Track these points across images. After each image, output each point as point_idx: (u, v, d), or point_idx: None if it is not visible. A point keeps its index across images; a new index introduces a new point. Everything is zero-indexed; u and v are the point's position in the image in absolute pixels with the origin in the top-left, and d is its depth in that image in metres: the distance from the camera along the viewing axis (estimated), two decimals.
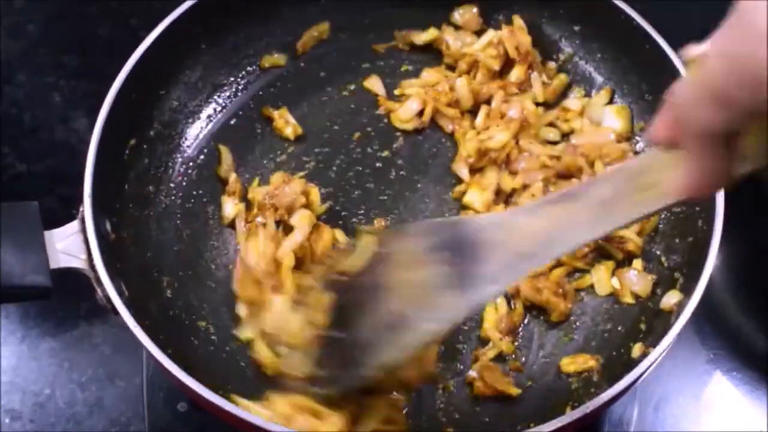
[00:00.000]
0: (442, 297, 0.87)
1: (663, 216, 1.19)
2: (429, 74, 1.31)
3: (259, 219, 1.17)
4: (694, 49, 0.75)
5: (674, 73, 1.17)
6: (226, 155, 1.25)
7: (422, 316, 0.88)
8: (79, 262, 1.03)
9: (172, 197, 1.23)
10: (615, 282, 1.16)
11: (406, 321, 0.89)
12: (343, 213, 1.23)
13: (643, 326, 1.12)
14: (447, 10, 1.34)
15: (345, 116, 1.30)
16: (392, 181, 1.25)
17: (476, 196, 1.20)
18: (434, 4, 1.34)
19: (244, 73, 1.32)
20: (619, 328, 1.14)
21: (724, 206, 1.07)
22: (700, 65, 0.68)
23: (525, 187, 1.20)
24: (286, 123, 1.27)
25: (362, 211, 1.23)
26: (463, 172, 1.23)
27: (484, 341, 1.13)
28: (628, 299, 1.15)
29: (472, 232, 0.88)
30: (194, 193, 1.24)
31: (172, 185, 1.23)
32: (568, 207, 0.85)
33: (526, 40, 1.27)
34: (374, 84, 1.31)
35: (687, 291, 1.07)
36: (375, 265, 0.93)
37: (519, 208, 0.95)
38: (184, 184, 1.24)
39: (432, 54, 1.34)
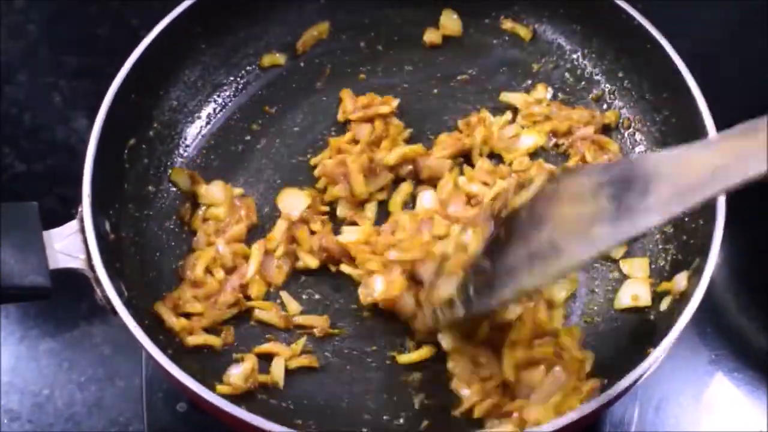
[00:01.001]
0: (597, 228, 0.89)
1: None
2: None
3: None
4: None
5: (675, 73, 1.17)
6: None
7: (574, 244, 0.91)
8: (78, 263, 1.03)
9: (172, 197, 1.22)
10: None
11: (556, 249, 0.92)
12: None
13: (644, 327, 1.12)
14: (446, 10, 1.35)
15: None
16: None
17: None
18: (433, 4, 1.34)
19: (243, 72, 1.32)
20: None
21: (725, 206, 1.07)
22: None
23: None
24: None
25: None
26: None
27: None
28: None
29: (642, 166, 0.88)
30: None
31: (171, 185, 1.23)
32: (746, 140, 0.83)
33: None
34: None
35: (688, 291, 1.07)
36: (538, 200, 0.95)
37: (695, 143, 0.94)
38: None
39: (432, 53, 1.34)
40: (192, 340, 1.10)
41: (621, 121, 1.28)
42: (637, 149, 1.26)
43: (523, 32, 1.34)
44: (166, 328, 1.09)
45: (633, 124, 1.27)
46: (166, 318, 1.09)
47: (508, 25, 1.34)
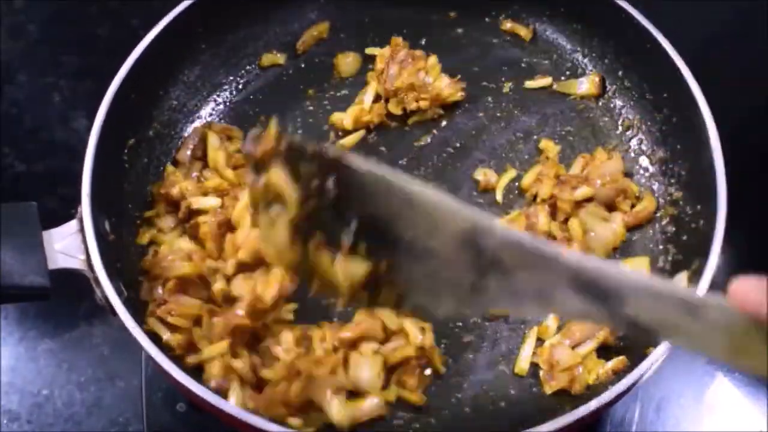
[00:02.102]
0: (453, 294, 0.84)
1: (665, 216, 1.19)
2: None
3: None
4: None
5: (674, 73, 1.16)
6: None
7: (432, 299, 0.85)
8: (77, 263, 1.03)
9: None
10: None
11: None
12: None
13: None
14: (446, 9, 1.34)
15: None
16: None
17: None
18: (433, 4, 1.34)
19: (243, 72, 1.32)
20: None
21: (726, 208, 1.06)
22: None
23: None
24: None
25: None
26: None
27: None
28: None
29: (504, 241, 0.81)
30: None
31: None
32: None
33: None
34: None
35: None
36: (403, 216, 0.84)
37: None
38: None
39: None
40: None
41: (621, 120, 1.28)
42: (636, 148, 1.26)
43: (523, 32, 1.34)
44: None
45: (633, 124, 1.27)
46: None
47: (508, 25, 1.34)
